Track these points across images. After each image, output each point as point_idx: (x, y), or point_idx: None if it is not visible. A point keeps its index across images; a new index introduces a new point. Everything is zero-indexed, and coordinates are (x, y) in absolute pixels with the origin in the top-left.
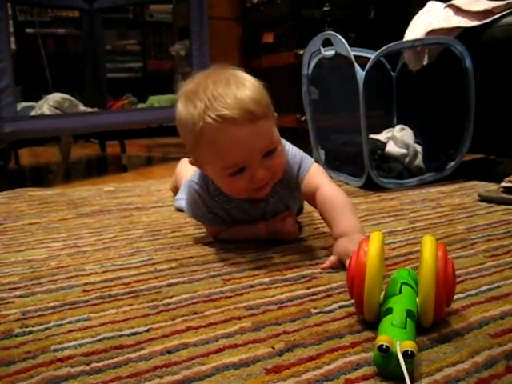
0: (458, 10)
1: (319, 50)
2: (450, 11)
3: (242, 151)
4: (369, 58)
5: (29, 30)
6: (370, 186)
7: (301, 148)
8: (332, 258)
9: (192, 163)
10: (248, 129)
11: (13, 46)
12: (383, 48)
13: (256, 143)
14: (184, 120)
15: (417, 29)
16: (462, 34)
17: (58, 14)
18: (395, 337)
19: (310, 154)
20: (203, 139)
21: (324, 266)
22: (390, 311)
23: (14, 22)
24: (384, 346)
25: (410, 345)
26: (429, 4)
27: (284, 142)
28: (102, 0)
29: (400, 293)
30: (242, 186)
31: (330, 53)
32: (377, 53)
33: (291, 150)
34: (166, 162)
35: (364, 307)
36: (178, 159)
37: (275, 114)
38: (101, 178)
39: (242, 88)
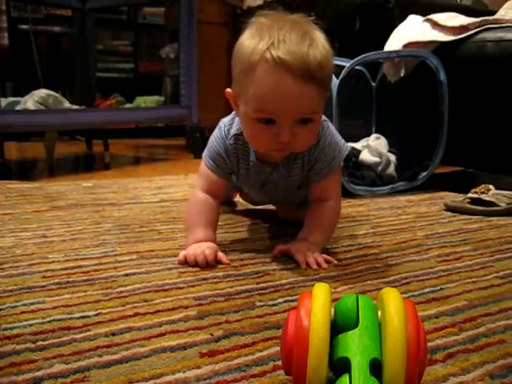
0: (435, 25)
1: None
2: (427, 25)
3: (281, 103)
4: None
5: (22, 27)
6: (343, 193)
7: None
8: (280, 246)
9: (228, 95)
10: (298, 85)
11: (6, 42)
12: (358, 58)
13: (298, 103)
14: (244, 48)
15: (396, 41)
16: (438, 48)
17: (51, 11)
18: None
19: None
20: (252, 73)
21: (273, 253)
22: (345, 365)
23: (7, 17)
24: None
25: None
26: (409, 18)
27: (328, 125)
28: (95, 0)
29: (358, 325)
30: (263, 137)
31: None
32: (351, 62)
33: (334, 137)
34: (152, 162)
35: None
36: (164, 160)
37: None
38: (83, 174)
39: (313, 47)
